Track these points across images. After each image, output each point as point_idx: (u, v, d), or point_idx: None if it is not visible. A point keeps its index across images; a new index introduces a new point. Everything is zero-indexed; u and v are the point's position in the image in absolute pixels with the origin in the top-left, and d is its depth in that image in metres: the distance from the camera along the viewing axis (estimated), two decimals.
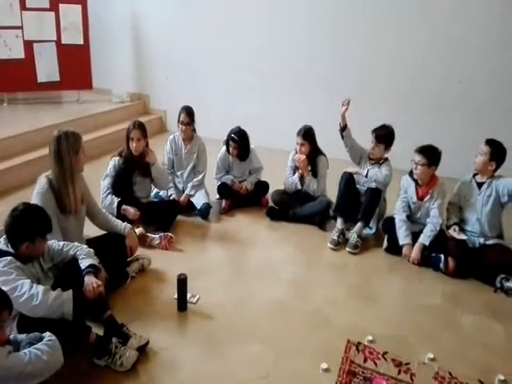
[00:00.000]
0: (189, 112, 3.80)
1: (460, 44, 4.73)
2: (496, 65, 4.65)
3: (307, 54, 5.42)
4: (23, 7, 5.46)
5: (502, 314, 2.78)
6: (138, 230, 3.29)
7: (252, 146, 4.09)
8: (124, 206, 3.31)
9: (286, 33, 5.46)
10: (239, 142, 3.91)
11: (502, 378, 2.21)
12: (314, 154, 3.76)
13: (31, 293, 1.96)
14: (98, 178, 3.45)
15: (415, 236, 3.30)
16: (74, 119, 5.30)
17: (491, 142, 3.12)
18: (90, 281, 2.19)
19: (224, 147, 4.04)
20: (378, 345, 2.40)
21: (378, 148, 3.52)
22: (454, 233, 3.20)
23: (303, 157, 3.70)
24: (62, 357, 1.82)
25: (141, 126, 3.36)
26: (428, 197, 3.32)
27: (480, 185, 3.21)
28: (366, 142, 3.61)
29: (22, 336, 1.89)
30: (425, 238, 3.24)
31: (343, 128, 3.56)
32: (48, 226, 2.17)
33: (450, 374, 2.23)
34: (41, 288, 2.00)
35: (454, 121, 4.93)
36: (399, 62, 5.03)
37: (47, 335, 1.83)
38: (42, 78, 5.74)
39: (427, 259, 3.23)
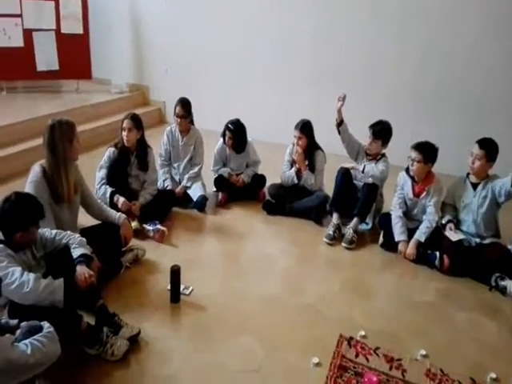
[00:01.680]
0: (184, 104, 3.76)
1: (456, 40, 4.72)
2: (492, 60, 4.63)
3: (307, 47, 5.39)
4: None
5: (496, 312, 2.77)
6: (133, 225, 3.26)
7: (249, 138, 4.07)
8: (117, 196, 3.29)
9: (285, 26, 5.43)
10: (235, 132, 3.88)
11: (493, 376, 2.20)
12: (311, 148, 3.75)
13: (22, 280, 1.96)
14: (95, 168, 3.44)
15: (411, 233, 3.28)
16: (72, 108, 5.28)
17: (484, 144, 3.07)
18: (82, 270, 2.18)
19: (221, 139, 4.03)
20: (371, 340, 2.40)
21: (375, 144, 3.51)
22: (450, 232, 3.17)
23: (300, 150, 3.69)
24: (59, 348, 1.82)
25: (133, 117, 3.36)
26: (424, 193, 3.31)
27: (474, 185, 3.19)
28: (365, 137, 3.59)
29: (14, 322, 1.88)
30: (420, 235, 3.23)
31: (340, 123, 3.54)
32: (41, 212, 2.16)
33: (441, 370, 2.22)
34: (32, 275, 2.00)
35: (452, 118, 4.92)
36: (399, 58, 5.00)
37: (46, 326, 1.82)
38: (41, 66, 5.72)
39: (422, 256, 3.21)
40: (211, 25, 5.83)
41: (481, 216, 3.16)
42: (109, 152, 3.40)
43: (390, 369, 2.22)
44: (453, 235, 3.14)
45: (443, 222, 3.29)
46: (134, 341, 2.21)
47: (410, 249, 3.21)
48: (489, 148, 3.06)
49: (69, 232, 2.37)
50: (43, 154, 2.58)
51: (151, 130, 5.43)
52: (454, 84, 4.85)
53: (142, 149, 3.46)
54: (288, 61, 5.53)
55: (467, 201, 3.21)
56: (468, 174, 3.24)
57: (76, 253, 2.25)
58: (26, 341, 1.72)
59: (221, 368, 2.15)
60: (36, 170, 2.56)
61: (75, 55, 5.86)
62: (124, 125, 3.32)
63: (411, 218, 3.41)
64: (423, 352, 2.32)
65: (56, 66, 5.78)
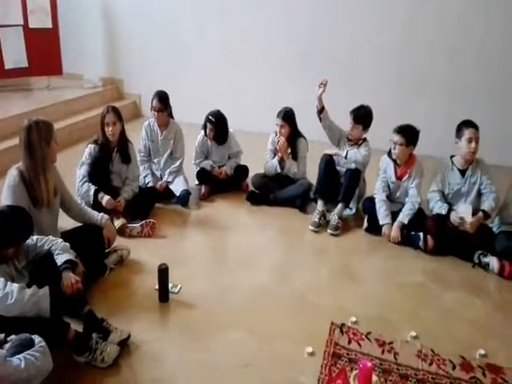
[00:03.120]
0: (161, 98, 3.68)
1: (438, 24, 4.73)
2: (478, 41, 4.67)
3: (285, 35, 5.35)
4: None
5: (480, 289, 2.84)
6: (120, 221, 3.22)
7: (231, 129, 4.02)
8: (101, 194, 3.21)
9: (264, 12, 5.36)
10: (216, 124, 3.83)
11: (482, 352, 2.25)
12: (293, 136, 3.73)
13: (5, 291, 1.90)
14: (70, 167, 3.36)
15: (395, 215, 3.32)
16: (44, 107, 5.13)
17: (474, 125, 3.04)
18: (68, 277, 2.13)
19: (202, 132, 3.96)
20: (362, 325, 2.42)
21: (356, 129, 3.51)
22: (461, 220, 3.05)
23: (283, 139, 3.66)
24: (52, 362, 1.79)
25: (115, 110, 3.28)
26: (406, 176, 3.34)
27: (462, 171, 3.18)
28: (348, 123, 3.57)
29: (1, 336, 1.84)
30: (404, 217, 3.26)
31: (320, 110, 3.52)
32: (32, 228, 2.16)
33: (432, 351, 2.26)
34: (15, 286, 1.94)
35: (435, 98, 4.97)
36: (380, 44, 5.01)
37: (37, 340, 1.79)
38: (9, 64, 5.50)
39: (407, 238, 3.25)
40: (186, 15, 5.71)
41: (469, 201, 3.16)
42: (89, 149, 3.31)
43: (382, 353, 2.25)
44: (466, 215, 3.03)
45: (443, 212, 3.13)
46: (124, 345, 2.17)
47: (394, 231, 3.25)
48: (477, 129, 3.04)
49: (51, 237, 2.30)
50: (20, 156, 2.48)
51: (127, 124, 5.25)
52: (434, 68, 4.89)
53: (123, 142, 3.39)
54: (268, 49, 5.47)
55: (456, 187, 3.20)
56: (452, 157, 3.22)
57: (60, 259, 2.19)
58: (20, 355, 1.68)
59: (215, 365, 2.14)
60: (13, 173, 2.46)
61: (45, 51, 5.66)
62: (107, 119, 3.23)
63: (394, 201, 3.44)
64: (413, 334, 2.35)
65: (25, 63, 5.58)
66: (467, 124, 3.08)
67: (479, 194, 3.17)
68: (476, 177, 3.15)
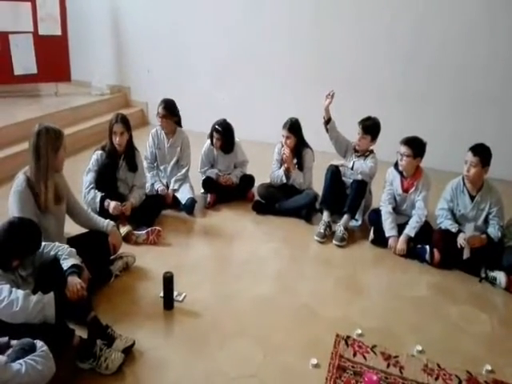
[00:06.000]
0: (167, 105, 3.70)
1: (445, 36, 4.74)
2: (484, 54, 4.65)
3: (293, 45, 5.36)
4: None
5: (487, 303, 2.81)
6: (126, 228, 3.23)
7: (237, 139, 4.03)
8: (107, 201, 3.21)
9: (271, 24, 5.39)
10: (223, 133, 3.84)
11: (489, 368, 2.23)
12: (299, 146, 3.73)
13: (11, 298, 1.90)
14: (76, 173, 3.37)
15: (401, 228, 3.30)
16: (52, 112, 5.17)
17: (477, 151, 3.00)
18: (74, 282, 2.13)
19: (208, 141, 3.98)
20: (367, 338, 2.40)
21: (364, 139, 3.50)
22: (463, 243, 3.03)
23: (288, 151, 3.66)
24: (54, 366, 1.79)
25: (124, 120, 3.28)
26: (413, 189, 3.33)
27: (471, 196, 3.14)
28: (354, 134, 3.58)
29: (4, 339, 1.83)
30: (410, 230, 3.24)
31: (327, 121, 3.53)
32: (41, 242, 2.18)
33: (438, 365, 2.24)
34: (21, 293, 1.93)
35: (441, 111, 4.96)
36: (387, 55, 5.00)
37: (39, 345, 1.79)
38: (18, 70, 5.56)
39: (413, 251, 3.24)
40: (194, 24, 5.74)
41: (477, 226, 3.13)
42: (96, 155, 3.31)
43: (388, 366, 2.23)
44: (466, 251, 3.01)
45: (453, 230, 3.12)
46: (129, 352, 2.16)
47: (401, 244, 3.23)
48: (483, 154, 3.00)
49: (57, 243, 2.31)
50: (28, 160, 2.48)
51: (134, 131, 5.29)
52: (441, 80, 4.88)
53: (130, 150, 3.40)
54: (273, 59, 5.49)
55: (464, 211, 3.17)
56: (463, 178, 3.16)
57: (66, 264, 2.20)
58: (21, 360, 1.68)
59: (219, 375, 2.12)
60: (20, 178, 2.47)
61: (54, 57, 5.72)
62: (115, 129, 3.23)
63: (400, 213, 3.42)
64: (419, 348, 2.33)
65: (34, 70, 5.64)
66: (471, 147, 3.05)
67: (486, 221, 3.14)
68: (485, 204, 3.10)
